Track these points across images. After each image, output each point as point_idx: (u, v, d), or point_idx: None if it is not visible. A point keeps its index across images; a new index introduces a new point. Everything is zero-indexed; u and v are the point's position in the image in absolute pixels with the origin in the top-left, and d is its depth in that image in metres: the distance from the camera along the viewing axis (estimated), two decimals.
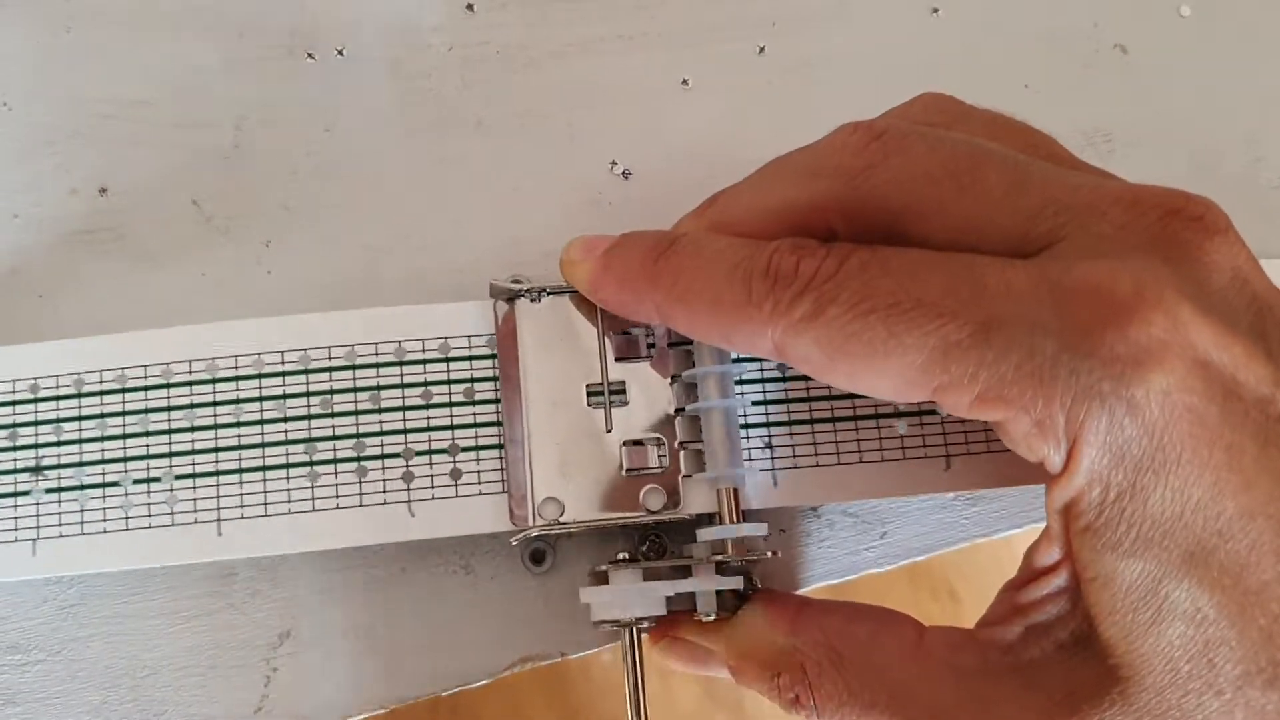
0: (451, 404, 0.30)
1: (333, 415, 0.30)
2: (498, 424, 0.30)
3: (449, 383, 0.30)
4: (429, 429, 0.30)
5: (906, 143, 0.26)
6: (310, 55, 0.36)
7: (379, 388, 0.30)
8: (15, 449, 0.30)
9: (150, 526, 0.30)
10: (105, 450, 0.30)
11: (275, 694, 0.31)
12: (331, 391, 0.30)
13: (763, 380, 0.31)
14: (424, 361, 0.31)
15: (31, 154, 0.35)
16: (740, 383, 0.31)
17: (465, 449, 0.30)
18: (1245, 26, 0.40)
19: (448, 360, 0.31)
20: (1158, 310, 0.22)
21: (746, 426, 0.31)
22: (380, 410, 0.30)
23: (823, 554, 0.33)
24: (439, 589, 0.32)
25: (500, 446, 0.30)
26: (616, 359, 0.30)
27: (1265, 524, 0.22)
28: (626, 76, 0.37)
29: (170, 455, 0.30)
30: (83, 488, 0.30)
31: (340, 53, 0.37)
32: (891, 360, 0.24)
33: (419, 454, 0.30)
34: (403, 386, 0.30)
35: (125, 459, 0.30)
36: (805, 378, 0.31)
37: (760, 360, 0.31)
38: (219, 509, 0.30)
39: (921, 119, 0.28)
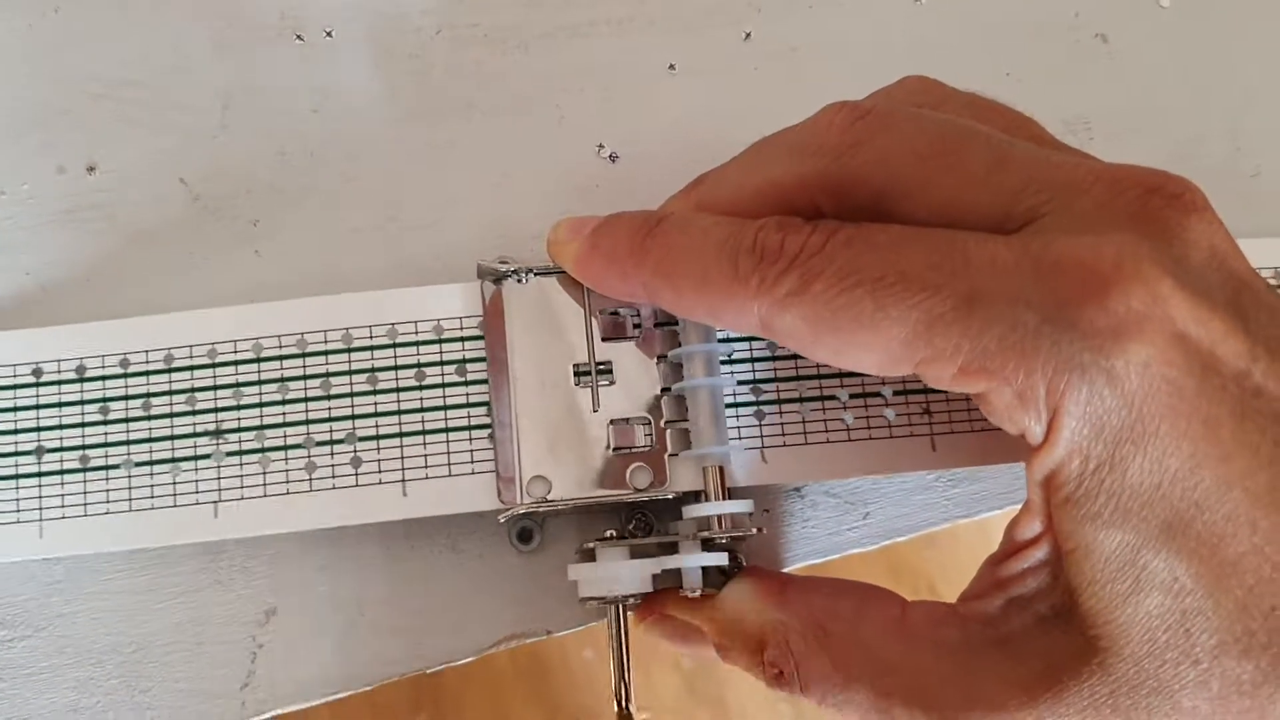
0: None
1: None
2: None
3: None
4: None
5: (891, 121, 0.27)
6: (299, 36, 0.36)
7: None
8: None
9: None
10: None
11: (261, 670, 0.32)
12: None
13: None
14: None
15: (19, 133, 0.35)
16: (726, 362, 0.31)
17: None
18: (1224, 16, 0.41)
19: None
20: (1137, 283, 0.22)
21: (733, 405, 0.31)
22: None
23: (806, 534, 0.34)
24: (426, 567, 0.32)
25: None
26: (603, 339, 0.31)
27: (1242, 495, 0.23)
28: (614, 60, 0.38)
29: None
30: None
31: (329, 34, 0.37)
32: (877, 334, 0.24)
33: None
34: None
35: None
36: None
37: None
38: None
39: (906, 100, 0.29)
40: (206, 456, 0.30)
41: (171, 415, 0.30)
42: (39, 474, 0.30)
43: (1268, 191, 0.39)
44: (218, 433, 0.30)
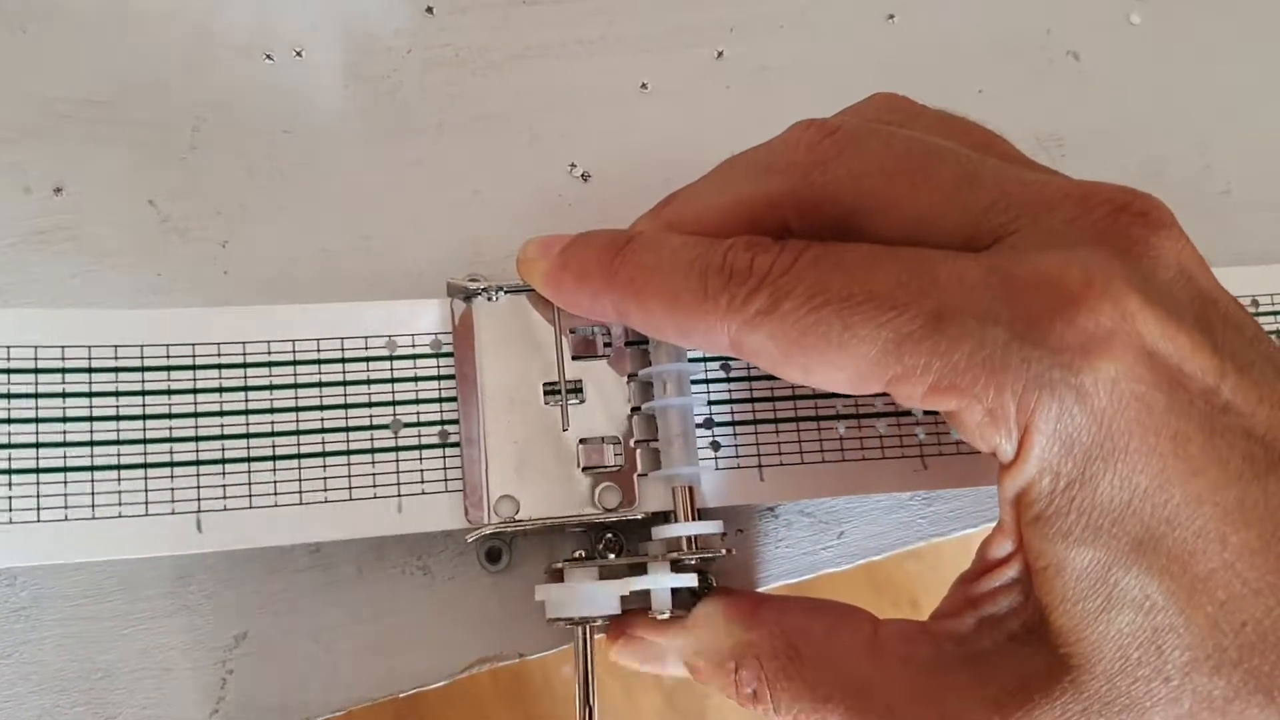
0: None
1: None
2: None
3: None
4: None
5: (860, 139, 0.27)
6: (269, 56, 0.36)
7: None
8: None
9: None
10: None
11: (231, 696, 0.31)
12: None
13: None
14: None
15: None
16: (697, 382, 0.31)
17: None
18: (1194, 35, 0.41)
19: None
20: (1106, 300, 0.22)
21: (705, 425, 0.31)
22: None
23: (780, 554, 0.34)
24: (395, 590, 0.32)
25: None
26: (573, 357, 0.31)
27: (1212, 511, 0.23)
28: (586, 80, 0.38)
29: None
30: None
31: (299, 54, 0.36)
32: (846, 352, 0.24)
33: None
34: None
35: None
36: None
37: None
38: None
39: (875, 118, 0.29)
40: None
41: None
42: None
43: (1238, 209, 0.39)
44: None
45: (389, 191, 0.35)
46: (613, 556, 0.31)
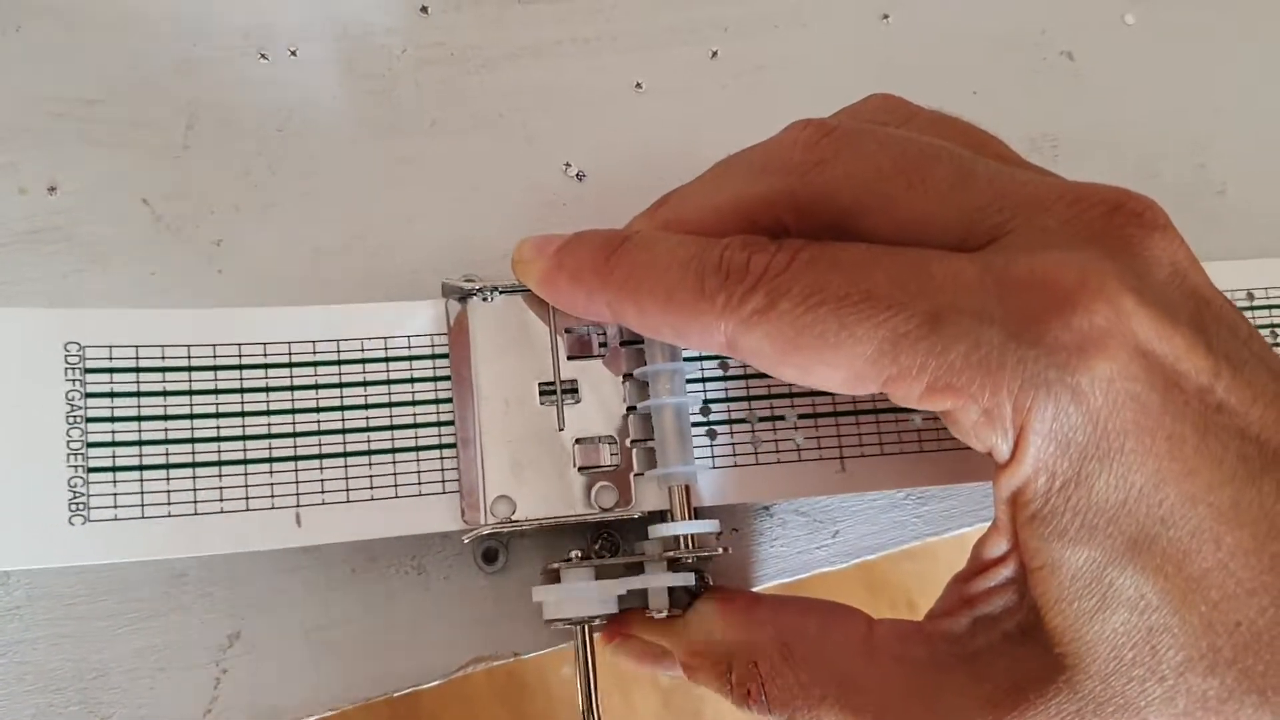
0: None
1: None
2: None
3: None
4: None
5: (856, 139, 0.27)
6: (263, 55, 0.36)
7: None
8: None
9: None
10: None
11: (225, 696, 0.31)
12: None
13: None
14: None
15: None
16: (693, 381, 0.31)
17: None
18: (1189, 35, 0.41)
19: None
20: (1100, 300, 0.23)
21: (701, 424, 0.31)
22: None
23: (775, 553, 0.34)
24: (391, 589, 0.32)
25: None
26: (569, 357, 0.31)
27: (1206, 511, 0.23)
28: (581, 79, 0.38)
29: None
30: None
31: (293, 53, 0.36)
32: (842, 352, 0.24)
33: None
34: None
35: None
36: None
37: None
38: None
39: (871, 118, 0.29)
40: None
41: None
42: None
43: (1233, 209, 0.39)
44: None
45: (383, 191, 0.35)
46: (609, 556, 0.31)
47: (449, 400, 0.30)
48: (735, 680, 0.28)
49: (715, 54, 0.38)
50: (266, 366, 0.30)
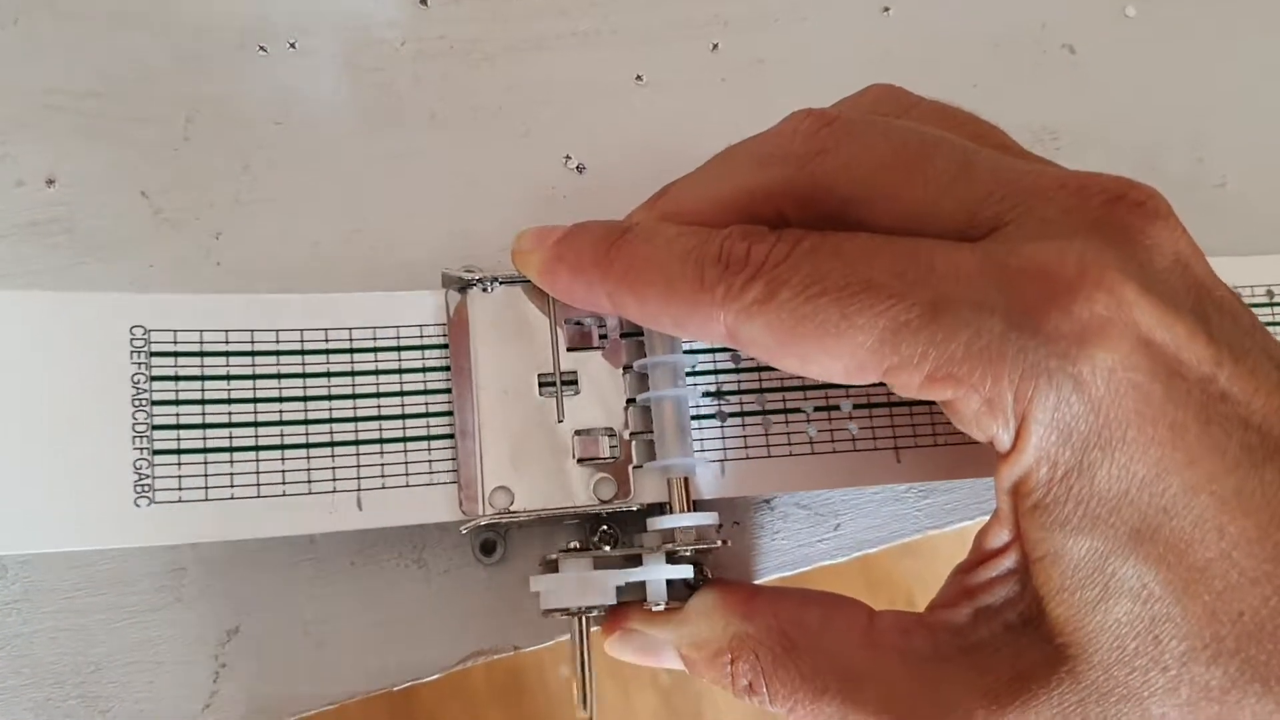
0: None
1: (342, 397, 0.30)
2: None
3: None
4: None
5: (857, 129, 0.26)
6: (262, 48, 0.36)
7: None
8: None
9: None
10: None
11: (224, 690, 0.31)
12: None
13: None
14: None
15: None
16: (692, 373, 0.31)
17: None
18: (1191, 28, 0.41)
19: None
20: (1101, 288, 0.22)
21: (699, 417, 0.31)
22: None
23: (776, 546, 0.33)
24: (390, 582, 0.32)
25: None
26: (568, 349, 0.30)
27: (1208, 500, 0.22)
28: (581, 72, 0.38)
29: (307, 422, 0.30)
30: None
31: (293, 46, 0.36)
32: (843, 342, 0.24)
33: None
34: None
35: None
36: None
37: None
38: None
39: (871, 108, 0.29)
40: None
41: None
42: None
43: (1234, 201, 0.39)
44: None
45: (383, 183, 0.35)
46: (608, 548, 0.31)
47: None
48: (736, 673, 0.28)
49: (716, 47, 0.38)
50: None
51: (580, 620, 0.29)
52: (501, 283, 0.31)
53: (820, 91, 0.31)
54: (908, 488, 0.34)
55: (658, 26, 0.38)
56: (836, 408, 0.31)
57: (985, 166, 0.26)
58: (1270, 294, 0.34)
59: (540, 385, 0.30)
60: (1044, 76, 0.40)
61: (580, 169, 0.36)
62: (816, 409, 0.31)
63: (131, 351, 0.29)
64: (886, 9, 0.40)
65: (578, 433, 0.30)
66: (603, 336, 0.31)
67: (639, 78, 0.38)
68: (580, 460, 0.30)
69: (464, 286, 0.31)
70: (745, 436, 0.31)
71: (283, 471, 0.29)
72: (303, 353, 0.30)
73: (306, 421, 0.30)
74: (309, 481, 0.29)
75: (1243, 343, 0.24)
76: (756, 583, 0.33)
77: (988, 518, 0.26)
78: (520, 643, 0.32)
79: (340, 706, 0.32)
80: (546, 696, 0.96)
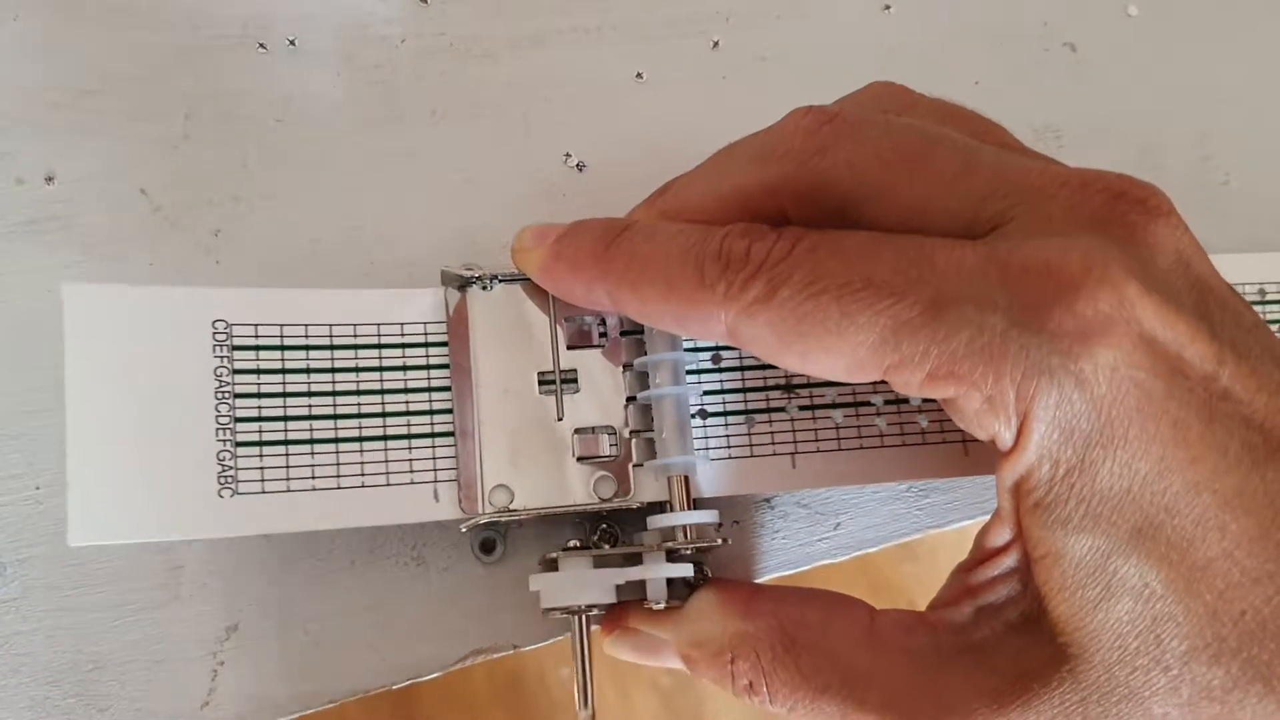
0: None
1: (418, 390, 0.30)
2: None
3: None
4: (379, 415, 0.30)
5: (858, 126, 0.26)
6: (262, 46, 0.36)
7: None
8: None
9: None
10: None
11: (222, 688, 0.31)
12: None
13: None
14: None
15: None
16: (693, 372, 0.31)
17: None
18: (1192, 25, 0.41)
19: (402, 346, 0.30)
20: (1104, 286, 0.22)
21: (701, 415, 0.31)
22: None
23: (776, 545, 0.33)
24: (389, 581, 0.32)
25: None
26: (568, 347, 0.30)
27: (1211, 499, 0.22)
28: (581, 69, 0.37)
29: (384, 415, 0.30)
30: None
31: (292, 43, 0.36)
32: (844, 340, 0.24)
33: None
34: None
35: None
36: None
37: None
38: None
39: (873, 106, 0.29)
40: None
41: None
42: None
43: (1236, 199, 0.39)
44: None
45: (382, 181, 0.35)
46: (608, 547, 0.31)
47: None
48: (736, 672, 0.27)
49: (716, 44, 0.38)
50: (404, 346, 0.30)
51: (580, 619, 0.29)
52: (501, 281, 0.30)
53: (821, 89, 0.31)
54: (908, 486, 0.34)
55: (658, 24, 0.38)
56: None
57: (987, 164, 0.25)
58: (1262, 292, 0.34)
59: (540, 383, 0.30)
60: (1046, 74, 0.39)
61: (580, 167, 0.36)
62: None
63: (214, 345, 0.29)
64: (888, 6, 0.39)
65: (577, 431, 0.30)
66: (603, 335, 0.31)
67: (639, 75, 0.38)
68: (580, 459, 0.30)
69: (464, 284, 0.30)
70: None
71: (361, 464, 0.29)
72: (380, 346, 0.30)
73: (384, 415, 0.30)
74: (387, 474, 0.29)
75: (1245, 341, 0.24)
76: (757, 582, 0.33)
77: (986, 517, 0.26)
78: (520, 642, 0.32)
79: (339, 705, 0.32)
80: (547, 697, 0.96)
